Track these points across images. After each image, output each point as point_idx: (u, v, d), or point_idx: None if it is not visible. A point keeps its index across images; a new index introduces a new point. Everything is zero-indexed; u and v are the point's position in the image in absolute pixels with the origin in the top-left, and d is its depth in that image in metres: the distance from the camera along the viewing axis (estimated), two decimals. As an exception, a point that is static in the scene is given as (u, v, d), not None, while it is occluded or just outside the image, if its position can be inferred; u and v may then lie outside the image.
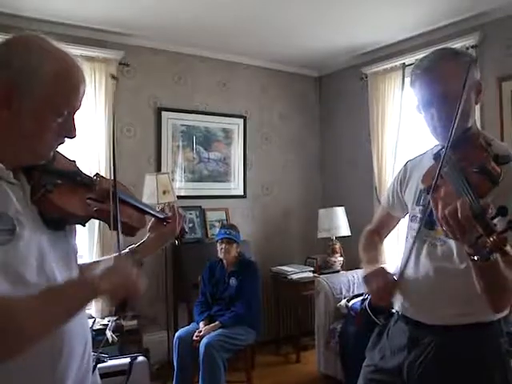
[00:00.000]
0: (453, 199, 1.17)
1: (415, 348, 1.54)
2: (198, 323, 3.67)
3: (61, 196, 1.08)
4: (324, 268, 4.79)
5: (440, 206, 1.21)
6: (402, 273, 1.55)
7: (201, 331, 3.50)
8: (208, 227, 4.66)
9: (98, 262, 1.43)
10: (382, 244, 1.90)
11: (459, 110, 1.32)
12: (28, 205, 1.04)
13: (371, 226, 1.92)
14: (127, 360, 3.15)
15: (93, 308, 3.89)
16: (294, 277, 4.64)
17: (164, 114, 4.54)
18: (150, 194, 3.87)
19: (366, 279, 1.62)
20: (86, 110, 3.89)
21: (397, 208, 1.79)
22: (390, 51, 4.59)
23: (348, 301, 3.81)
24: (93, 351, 1.22)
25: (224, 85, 4.94)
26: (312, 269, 4.79)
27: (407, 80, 4.20)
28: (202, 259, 4.04)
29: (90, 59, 3.92)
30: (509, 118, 3.72)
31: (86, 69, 3.83)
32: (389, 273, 1.59)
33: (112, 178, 1.19)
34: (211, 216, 4.71)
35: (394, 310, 1.74)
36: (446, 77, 1.44)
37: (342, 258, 4.77)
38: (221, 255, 3.82)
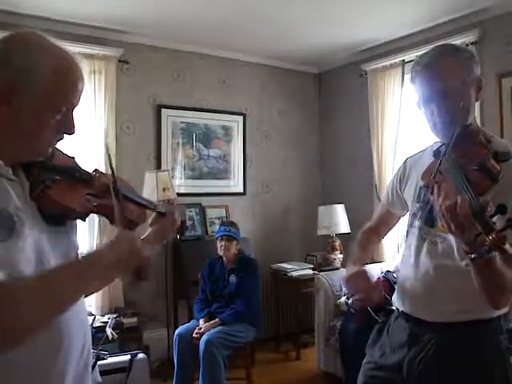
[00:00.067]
0: (452, 195, 1.17)
1: (415, 345, 1.54)
2: (197, 320, 3.67)
3: (60, 192, 1.08)
4: (324, 265, 4.79)
5: (440, 202, 1.21)
6: (401, 270, 1.55)
7: (201, 328, 3.51)
8: (208, 224, 4.66)
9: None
10: (379, 242, 1.89)
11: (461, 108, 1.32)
12: (27, 201, 1.04)
13: (370, 222, 1.91)
14: (127, 357, 3.17)
15: (93, 305, 3.90)
16: (294, 274, 4.64)
17: (164, 111, 4.54)
18: (149, 191, 3.86)
19: (347, 281, 1.62)
20: (86, 108, 3.89)
21: (396, 205, 1.79)
22: (389, 48, 4.58)
23: (348, 298, 3.81)
24: (93, 348, 1.22)
25: (224, 82, 4.93)
26: (312, 266, 4.80)
27: (407, 77, 4.20)
28: (202, 256, 4.05)
29: (89, 57, 3.92)
30: (508, 114, 3.72)
31: (86, 66, 3.83)
32: (369, 276, 1.59)
33: (109, 167, 1.19)
34: (211, 213, 4.71)
35: (393, 307, 1.74)
36: (446, 73, 1.44)
37: (341, 255, 4.77)
38: (221, 252, 3.82)
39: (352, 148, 5.15)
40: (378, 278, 3.66)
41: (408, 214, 1.70)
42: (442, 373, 1.48)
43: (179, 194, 4.26)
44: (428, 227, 1.56)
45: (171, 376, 3.56)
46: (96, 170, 1.24)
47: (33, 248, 0.99)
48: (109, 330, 3.45)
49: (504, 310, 1.48)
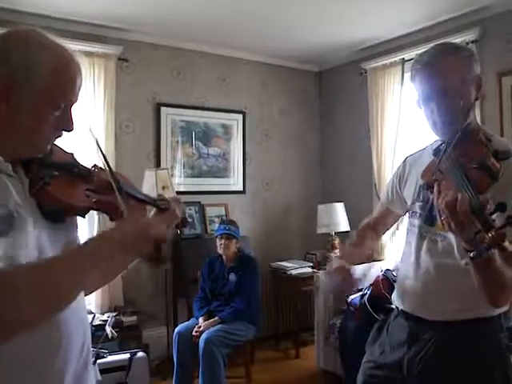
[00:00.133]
0: (452, 194, 1.17)
1: (415, 343, 1.54)
2: (197, 319, 3.67)
3: (59, 188, 1.08)
4: (323, 264, 4.79)
5: (440, 200, 1.21)
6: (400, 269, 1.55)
7: (200, 327, 3.51)
8: (207, 223, 4.66)
9: None
10: (375, 239, 1.87)
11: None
12: (27, 197, 1.04)
13: (369, 219, 1.90)
14: (127, 355, 3.16)
15: (92, 303, 3.90)
16: (294, 272, 4.65)
17: (163, 109, 4.54)
18: (149, 189, 3.86)
19: (329, 273, 1.64)
20: (85, 105, 3.88)
21: (396, 203, 1.79)
22: (389, 46, 4.58)
23: (347, 296, 3.81)
24: (92, 347, 1.22)
25: (224, 80, 4.93)
26: (311, 264, 4.80)
27: (407, 75, 4.19)
28: (202, 255, 4.05)
29: (89, 54, 3.91)
30: (509, 113, 3.72)
31: (85, 64, 3.82)
32: (351, 273, 1.59)
33: (102, 158, 1.19)
34: (210, 212, 4.71)
35: (393, 306, 1.74)
36: (446, 71, 1.44)
37: (341, 254, 4.76)
38: (220, 251, 3.82)
39: (352, 147, 5.15)
40: (378, 277, 3.66)
41: (408, 212, 1.69)
42: (442, 371, 1.48)
43: (179, 193, 4.25)
44: (428, 226, 1.56)
45: (171, 374, 3.57)
46: (95, 166, 1.24)
47: (33, 244, 0.99)
48: (108, 329, 3.45)
49: (504, 309, 1.48)
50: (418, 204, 1.61)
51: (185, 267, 4.22)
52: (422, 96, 1.51)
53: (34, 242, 1.00)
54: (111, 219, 1.16)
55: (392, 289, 1.77)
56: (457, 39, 3.74)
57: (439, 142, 1.55)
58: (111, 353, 3.17)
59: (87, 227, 3.90)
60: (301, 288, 4.57)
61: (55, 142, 1.13)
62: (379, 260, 4.27)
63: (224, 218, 4.64)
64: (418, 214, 1.61)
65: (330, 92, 5.50)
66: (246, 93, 5.07)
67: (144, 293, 4.31)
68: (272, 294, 4.95)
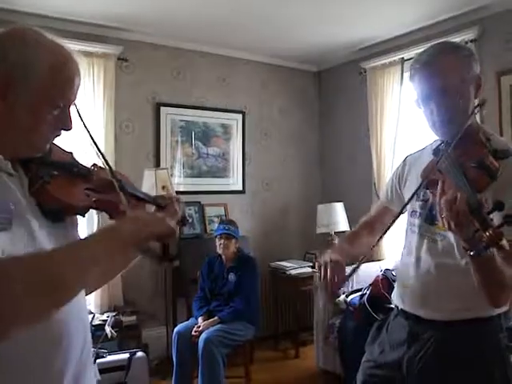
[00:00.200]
0: (451, 193, 1.17)
1: (415, 343, 1.54)
2: (196, 318, 3.67)
3: (58, 187, 1.08)
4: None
5: (438, 199, 1.21)
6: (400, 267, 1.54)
7: (200, 326, 3.51)
8: (207, 222, 4.66)
9: None
10: (371, 237, 1.83)
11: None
12: (26, 196, 1.04)
13: (366, 217, 1.89)
14: (126, 355, 3.16)
15: (92, 303, 3.90)
16: (293, 272, 4.64)
17: (163, 109, 4.53)
18: (148, 189, 3.86)
19: (319, 264, 1.58)
20: (85, 105, 3.88)
21: (396, 202, 1.78)
22: (388, 46, 4.58)
23: (347, 296, 3.81)
24: (92, 346, 1.21)
25: (223, 80, 4.93)
26: (311, 264, 4.79)
27: (406, 75, 4.19)
28: (201, 254, 4.05)
29: (88, 54, 3.91)
30: (508, 112, 3.72)
31: (85, 64, 3.82)
32: (342, 266, 1.55)
33: (99, 154, 1.19)
34: (210, 211, 4.71)
35: (392, 305, 1.74)
36: (445, 71, 1.44)
37: (340, 254, 4.76)
38: (219, 251, 3.82)
39: (351, 146, 5.15)
40: (378, 276, 3.67)
41: (407, 212, 1.69)
42: (441, 371, 1.48)
43: (178, 192, 4.25)
44: (428, 225, 1.56)
45: (170, 374, 3.56)
46: (94, 165, 1.24)
47: (32, 242, 0.99)
48: (108, 329, 3.45)
49: (504, 309, 1.48)
50: (418, 203, 1.61)
51: (184, 267, 4.22)
52: (421, 95, 1.51)
53: (33, 240, 1.00)
54: (111, 218, 1.16)
55: (391, 288, 1.77)
56: (456, 38, 3.74)
57: (439, 142, 1.55)
58: (111, 352, 3.17)
59: (87, 226, 3.90)
60: (300, 288, 4.57)
61: (54, 142, 1.13)
62: (379, 260, 4.27)
63: (223, 217, 4.64)
64: (418, 214, 1.61)
65: (329, 92, 5.50)
66: (245, 93, 5.07)
67: (143, 293, 4.31)
68: (271, 294, 4.95)
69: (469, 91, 1.46)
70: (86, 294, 1.21)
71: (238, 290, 3.70)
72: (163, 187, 3.88)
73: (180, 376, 3.48)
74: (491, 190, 1.20)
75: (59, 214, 1.11)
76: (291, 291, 4.73)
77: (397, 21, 4.14)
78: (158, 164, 4.48)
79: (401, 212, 1.49)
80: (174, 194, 1.44)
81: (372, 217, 1.88)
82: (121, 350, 3.36)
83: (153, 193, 3.79)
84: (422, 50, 1.53)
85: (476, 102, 1.48)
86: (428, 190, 1.47)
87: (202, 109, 4.76)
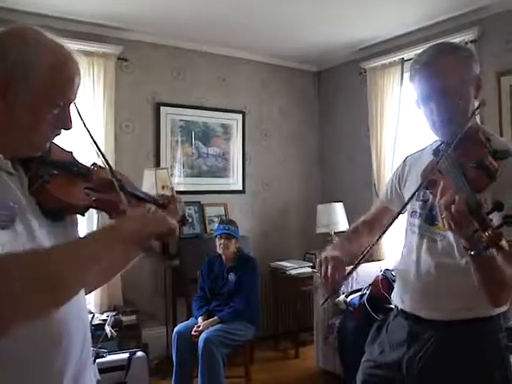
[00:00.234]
0: (451, 193, 1.17)
1: (415, 343, 1.54)
2: (196, 318, 3.67)
3: (58, 186, 1.08)
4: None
5: (438, 199, 1.21)
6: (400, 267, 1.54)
7: (199, 326, 3.51)
8: (207, 222, 4.66)
9: None
10: (369, 237, 1.82)
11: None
12: (26, 196, 1.04)
13: (365, 216, 1.88)
14: (126, 355, 3.16)
15: (92, 303, 3.90)
16: (293, 272, 4.64)
17: (163, 109, 4.53)
18: (148, 189, 3.86)
19: (319, 261, 1.56)
20: (85, 104, 3.88)
21: (395, 202, 1.78)
22: (388, 46, 4.58)
23: (346, 296, 3.81)
24: (92, 346, 1.21)
25: (223, 80, 4.93)
26: (311, 264, 4.79)
27: (406, 75, 4.19)
28: (201, 254, 4.05)
29: (88, 54, 3.91)
30: (508, 113, 3.72)
31: (85, 64, 3.82)
32: (342, 263, 1.53)
33: (99, 154, 1.18)
34: (210, 211, 4.71)
35: (392, 306, 1.74)
36: (445, 71, 1.44)
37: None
38: (219, 250, 3.82)
39: (351, 146, 5.15)
40: (377, 277, 3.67)
41: (407, 212, 1.69)
42: (441, 371, 1.48)
43: (178, 192, 4.18)
44: (428, 225, 1.56)
45: (170, 374, 3.56)
46: (94, 164, 1.24)
47: (32, 241, 0.99)
48: (108, 328, 3.45)
49: (503, 309, 1.48)
50: (418, 203, 1.61)
51: (184, 267, 4.22)
52: (421, 96, 1.51)
53: (33, 239, 1.00)
54: (110, 217, 1.16)
55: (391, 289, 1.76)
56: (456, 39, 3.74)
57: (439, 142, 1.55)
58: (110, 352, 3.17)
59: (86, 226, 3.90)
60: (300, 288, 4.57)
61: (54, 141, 1.13)
62: (378, 260, 4.27)
63: (223, 217, 4.64)
64: (418, 214, 1.61)
65: (329, 92, 5.50)
66: (245, 93, 5.07)
67: (143, 292, 4.31)
68: (271, 294, 4.95)
69: (469, 92, 1.46)
70: (86, 294, 1.21)
71: (237, 289, 3.70)
72: (163, 187, 3.88)
73: (180, 376, 3.48)
74: (491, 190, 1.20)
75: (59, 213, 1.11)
76: (291, 291, 4.73)
77: (397, 21, 4.14)
78: (157, 164, 4.48)
79: (400, 212, 1.49)
80: (175, 194, 1.44)
81: (371, 216, 1.87)
82: (121, 349, 3.36)
83: (153, 193, 3.79)
84: (422, 50, 1.53)
85: (476, 102, 1.48)
86: (428, 191, 1.47)
87: (202, 109, 4.76)
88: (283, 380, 4.02)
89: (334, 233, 4.75)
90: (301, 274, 4.61)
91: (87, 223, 3.86)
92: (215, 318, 3.57)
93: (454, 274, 1.47)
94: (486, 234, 1.02)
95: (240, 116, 5.00)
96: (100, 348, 3.10)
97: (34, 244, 0.99)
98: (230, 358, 3.51)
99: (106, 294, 3.95)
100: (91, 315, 3.64)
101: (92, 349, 1.22)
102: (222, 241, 3.79)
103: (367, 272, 3.73)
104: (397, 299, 1.68)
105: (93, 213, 1.60)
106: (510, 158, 1.33)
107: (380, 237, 1.51)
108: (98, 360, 2.99)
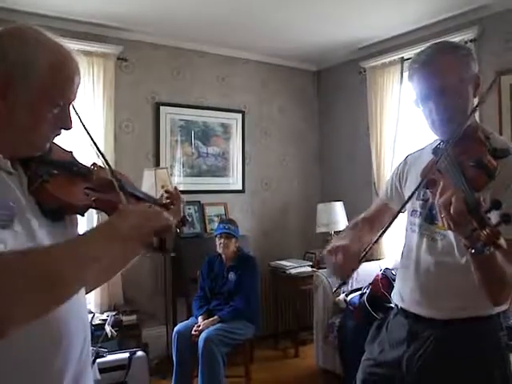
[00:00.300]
0: (450, 192, 1.17)
1: (414, 341, 1.54)
2: (196, 318, 3.67)
3: (58, 186, 1.08)
4: (322, 262, 4.79)
5: (437, 198, 1.21)
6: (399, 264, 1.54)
7: (199, 326, 3.51)
8: (207, 222, 4.66)
9: None
10: (369, 234, 1.80)
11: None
12: (26, 195, 1.04)
13: (365, 213, 1.87)
14: (126, 355, 3.17)
15: (92, 303, 3.90)
16: (293, 271, 4.65)
17: (162, 108, 4.54)
18: (148, 188, 3.86)
19: (328, 252, 1.53)
20: (85, 104, 3.88)
21: (395, 200, 1.77)
22: (388, 45, 4.58)
23: (346, 295, 3.82)
24: (92, 346, 1.21)
25: (223, 79, 4.93)
26: (310, 263, 4.80)
27: (406, 74, 4.18)
28: (201, 254, 4.05)
29: (88, 54, 3.91)
30: (507, 112, 3.72)
31: (84, 63, 3.82)
32: (352, 249, 1.50)
33: (99, 154, 1.18)
34: (210, 211, 4.72)
35: (392, 304, 1.74)
36: (444, 70, 1.44)
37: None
38: (219, 250, 3.82)
39: (351, 145, 5.15)
40: (377, 276, 3.67)
41: (407, 211, 1.69)
42: (441, 369, 1.48)
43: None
44: (428, 224, 1.56)
45: (170, 373, 3.57)
46: (94, 164, 1.24)
47: (31, 241, 0.99)
48: (108, 328, 3.45)
49: (503, 307, 1.48)
50: (418, 202, 1.61)
51: (184, 266, 4.23)
52: (420, 95, 1.51)
53: (32, 239, 1.00)
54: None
55: (391, 288, 1.76)
56: (455, 38, 3.74)
57: (438, 142, 1.55)
58: (111, 352, 3.17)
59: (86, 226, 3.90)
60: (300, 287, 4.57)
61: (54, 141, 1.13)
62: (378, 259, 4.27)
63: (223, 217, 4.64)
64: (418, 213, 1.61)
65: (329, 91, 5.50)
66: (245, 92, 5.07)
67: (143, 292, 4.31)
68: (271, 293, 4.95)
69: (467, 91, 1.46)
70: (86, 293, 1.21)
71: (237, 289, 3.70)
72: (163, 187, 3.88)
73: (180, 375, 3.49)
74: (490, 189, 1.20)
75: (59, 213, 1.11)
76: (291, 290, 4.73)
77: (396, 20, 4.14)
78: (157, 163, 4.48)
79: (400, 211, 1.49)
80: (177, 193, 1.43)
81: (372, 214, 1.86)
82: (121, 349, 3.36)
83: (153, 192, 3.80)
84: (421, 49, 1.53)
85: (475, 101, 1.48)
86: (428, 190, 1.47)
87: (202, 108, 4.77)
88: (283, 379, 4.02)
89: (334, 232, 4.75)
90: (301, 274, 4.62)
91: (87, 223, 3.86)
92: (215, 317, 3.57)
93: (453, 273, 1.47)
94: (484, 232, 1.03)
95: (240, 115, 5.00)
96: (100, 348, 3.11)
97: (34, 244, 0.99)
98: (229, 358, 3.51)
99: (106, 294, 3.95)
100: (91, 315, 3.64)
101: (92, 348, 1.22)
102: (222, 240, 3.79)
103: (367, 271, 3.73)
104: (397, 298, 1.68)
105: (93, 213, 1.59)
106: (510, 157, 1.33)
107: (381, 235, 1.51)
108: (98, 360, 3.00)
